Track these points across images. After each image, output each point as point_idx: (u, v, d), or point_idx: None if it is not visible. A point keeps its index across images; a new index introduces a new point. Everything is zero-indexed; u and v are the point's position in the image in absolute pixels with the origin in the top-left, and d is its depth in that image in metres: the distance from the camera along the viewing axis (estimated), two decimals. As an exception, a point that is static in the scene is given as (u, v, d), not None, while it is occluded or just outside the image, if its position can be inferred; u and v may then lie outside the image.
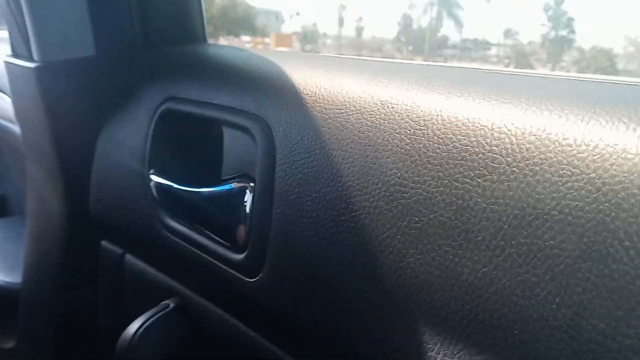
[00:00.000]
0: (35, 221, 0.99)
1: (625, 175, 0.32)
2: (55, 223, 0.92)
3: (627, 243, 0.31)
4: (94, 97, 0.83)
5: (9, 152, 1.56)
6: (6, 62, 0.90)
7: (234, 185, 0.60)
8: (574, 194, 0.34)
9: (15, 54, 0.89)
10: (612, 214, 0.32)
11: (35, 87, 0.82)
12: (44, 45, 0.80)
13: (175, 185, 0.68)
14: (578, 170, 0.34)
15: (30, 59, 0.83)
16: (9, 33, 0.89)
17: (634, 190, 0.32)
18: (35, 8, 0.79)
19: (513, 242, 0.37)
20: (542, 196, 0.36)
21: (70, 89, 0.83)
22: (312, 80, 0.56)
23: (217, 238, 0.63)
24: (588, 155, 0.34)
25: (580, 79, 0.49)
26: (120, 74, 0.83)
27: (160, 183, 0.70)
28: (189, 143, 0.71)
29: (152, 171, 0.71)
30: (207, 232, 0.65)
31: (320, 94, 0.54)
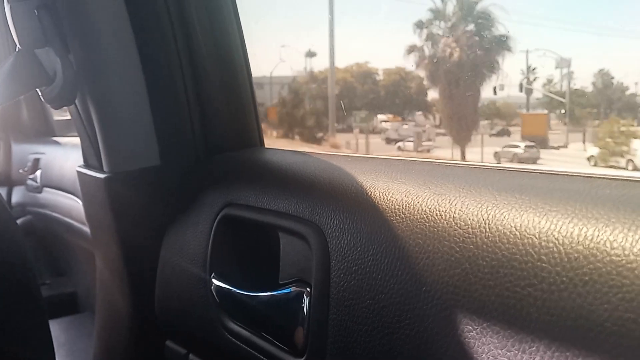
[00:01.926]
0: (104, 319, 1.03)
1: None
2: (122, 322, 0.96)
3: None
4: (159, 204, 0.88)
5: (80, 252, 1.64)
6: (78, 172, 0.97)
7: (292, 289, 0.62)
8: (627, 305, 0.34)
9: (86, 164, 0.96)
10: None
11: (105, 195, 0.88)
12: (113, 157, 0.87)
13: (236, 289, 0.70)
14: (628, 281, 0.34)
15: (100, 169, 0.89)
16: (81, 144, 0.97)
17: None
18: (105, 122, 0.86)
19: (567, 354, 0.36)
20: (594, 307, 0.36)
21: (136, 197, 0.88)
22: (364, 185, 0.59)
23: (276, 342, 0.64)
24: (637, 266, 0.34)
25: (626, 178, 0.49)
26: (183, 181, 0.88)
27: (221, 287, 0.72)
28: (248, 248, 0.74)
29: (213, 275, 0.74)
30: (266, 335, 0.66)
31: (371, 199, 0.56)
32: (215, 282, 0.73)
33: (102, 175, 0.88)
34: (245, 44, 0.91)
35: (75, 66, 0.83)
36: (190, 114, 0.89)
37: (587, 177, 0.51)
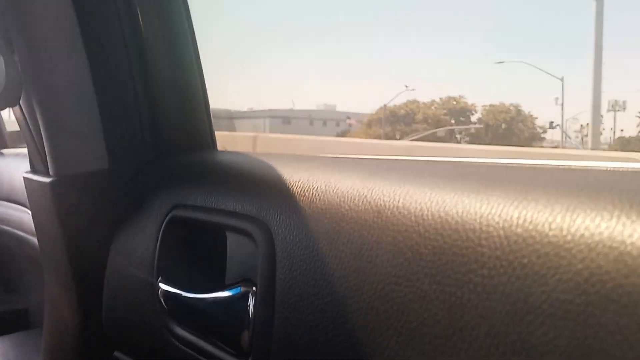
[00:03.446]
0: (51, 334, 0.99)
1: (612, 264, 0.32)
2: (69, 335, 0.92)
3: (619, 337, 0.30)
4: (107, 209, 0.85)
5: (31, 266, 1.59)
6: (25, 178, 0.94)
7: (237, 290, 0.60)
8: (563, 286, 0.33)
9: (33, 170, 0.93)
10: (602, 306, 0.31)
11: (51, 201, 0.85)
12: (59, 160, 0.84)
13: (183, 293, 0.68)
14: (565, 262, 0.34)
15: (46, 174, 0.86)
16: (27, 148, 0.94)
17: (622, 281, 0.31)
18: (51, 124, 0.83)
19: (506, 340, 0.35)
20: (532, 290, 0.35)
21: (83, 202, 0.85)
22: (310, 182, 0.57)
23: (223, 345, 0.62)
24: (574, 246, 0.34)
25: (566, 167, 0.49)
26: (132, 184, 0.86)
27: (168, 291, 0.70)
28: (196, 249, 0.72)
29: (160, 279, 0.72)
30: (213, 338, 0.64)
31: (316, 195, 0.55)
32: (163, 286, 0.71)
33: (47, 180, 0.85)
34: (197, 45, 0.89)
35: (19, 66, 0.80)
36: (139, 116, 0.87)
37: (527, 166, 0.51)
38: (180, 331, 0.68)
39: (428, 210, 0.44)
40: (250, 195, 0.63)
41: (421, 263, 0.42)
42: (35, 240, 1.31)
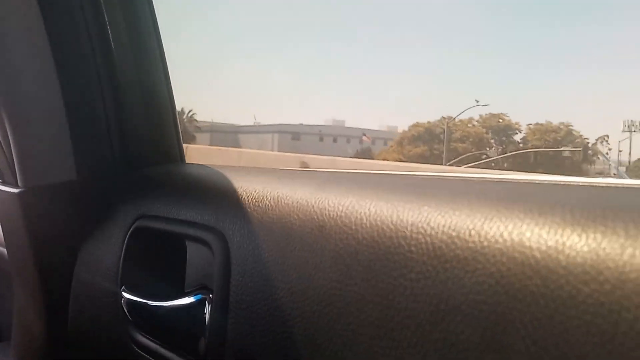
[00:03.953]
0: (19, 347, 1.00)
1: (519, 267, 0.34)
2: (36, 345, 0.93)
3: (523, 332, 0.33)
4: (74, 220, 0.87)
5: (2, 278, 1.58)
6: None
7: (195, 297, 0.62)
8: (478, 288, 0.36)
9: (2, 181, 0.94)
10: (510, 305, 0.34)
11: (19, 211, 0.86)
12: (27, 171, 0.85)
13: (144, 301, 0.70)
14: (481, 266, 0.37)
15: (15, 185, 0.87)
16: None
17: (526, 282, 0.34)
18: (19, 134, 0.84)
19: (430, 338, 0.38)
20: (453, 292, 0.38)
21: (51, 212, 0.87)
22: (264, 194, 0.60)
23: (181, 351, 0.64)
24: (489, 251, 0.37)
25: (492, 179, 0.53)
26: (100, 195, 0.87)
27: (130, 299, 0.72)
28: (158, 258, 0.74)
29: (123, 288, 0.73)
30: (173, 345, 0.66)
31: (269, 206, 0.58)
32: (126, 295, 0.73)
33: (16, 190, 0.86)
34: (165, 59, 0.92)
35: None
36: (108, 128, 0.88)
37: (459, 178, 0.54)
38: (142, 339, 0.70)
39: (367, 220, 0.47)
40: (210, 206, 0.66)
41: (359, 268, 0.45)
42: (5, 251, 1.31)
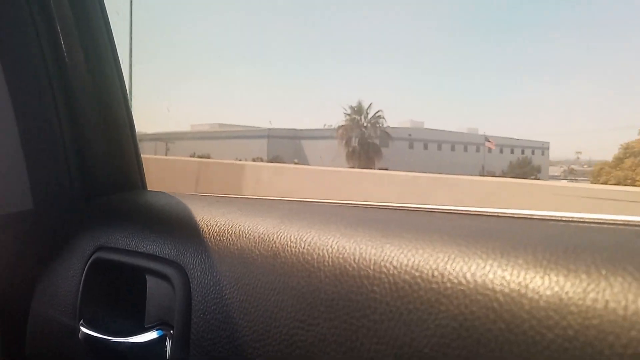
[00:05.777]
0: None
1: (482, 311, 0.34)
2: None
3: None
4: (31, 251, 0.84)
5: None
6: None
7: (156, 333, 0.60)
8: (442, 331, 0.35)
9: None
10: (473, 350, 0.33)
11: None
12: None
13: (103, 336, 0.67)
14: (444, 308, 0.36)
15: None
16: None
17: (490, 326, 0.33)
18: None
19: None
20: (416, 334, 0.37)
21: (7, 243, 0.84)
22: (227, 225, 0.59)
23: None
24: (452, 293, 0.36)
25: (456, 211, 0.52)
26: (58, 226, 0.85)
27: (89, 334, 0.69)
28: (117, 292, 0.72)
29: (81, 322, 0.71)
30: None
31: (231, 240, 0.56)
32: (84, 330, 0.70)
33: None
34: (125, 84, 0.90)
35: None
36: (66, 156, 0.86)
37: (424, 210, 0.54)
38: None
39: (329, 257, 0.46)
40: (171, 239, 0.64)
41: (321, 308, 0.44)
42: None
